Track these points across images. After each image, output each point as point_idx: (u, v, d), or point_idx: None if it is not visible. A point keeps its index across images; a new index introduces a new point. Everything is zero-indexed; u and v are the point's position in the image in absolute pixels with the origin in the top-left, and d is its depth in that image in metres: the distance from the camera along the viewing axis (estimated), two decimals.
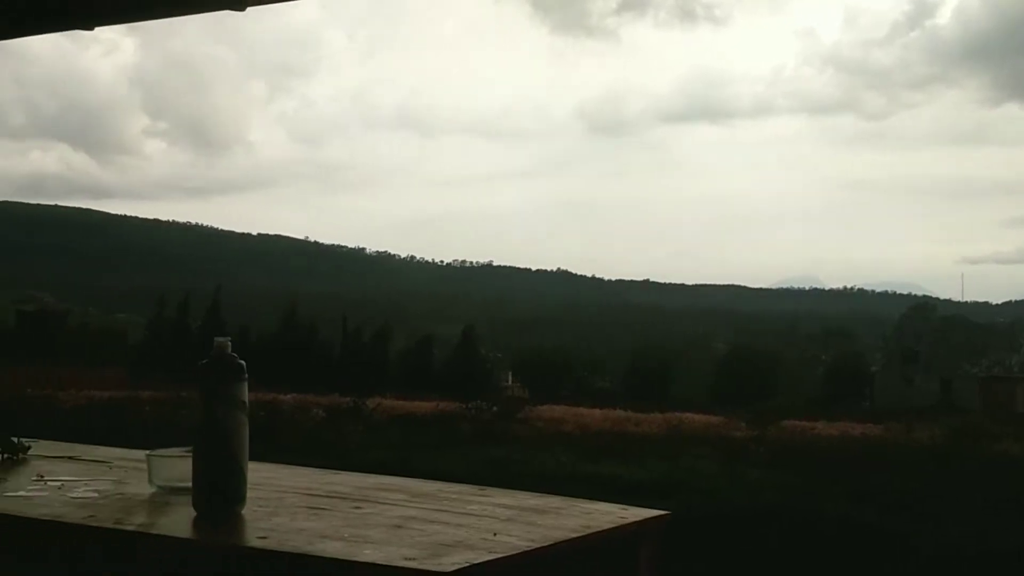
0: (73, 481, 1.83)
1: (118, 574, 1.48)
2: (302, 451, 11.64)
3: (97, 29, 2.80)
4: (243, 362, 1.56)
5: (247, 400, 1.57)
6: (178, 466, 1.74)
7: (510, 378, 57.04)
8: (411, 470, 3.36)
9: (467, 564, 1.28)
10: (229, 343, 1.56)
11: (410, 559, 1.29)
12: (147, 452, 1.79)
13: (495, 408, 23.28)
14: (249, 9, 2.24)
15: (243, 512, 1.56)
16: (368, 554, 1.31)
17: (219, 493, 1.54)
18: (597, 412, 25.11)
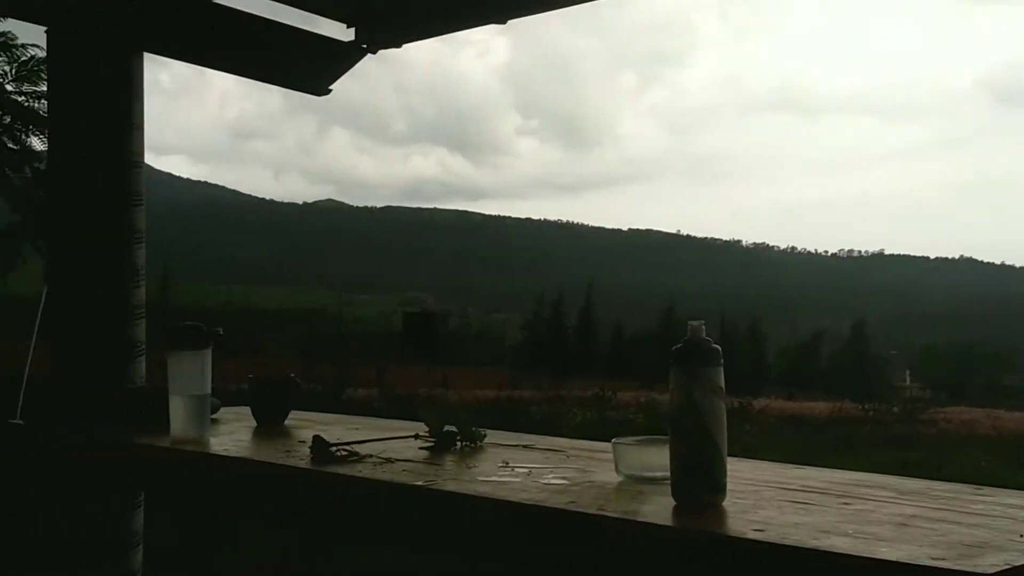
0: (539, 468, 1.87)
1: (600, 560, 1.47)
2: None
3: (469, 31, 2.92)
4: (718, 346, 1.50)
5: (723, 386, 1.50)
6: (646, 454, 1.72)
7: (908, 377, 53.11)
8: None
9: (1007, 567, 1.14)
10: (703, 326, 1.51)
11: (938, 559, 1.16)
12: (613, 440, 1.79)
13: (895, 409, 21.82)
14: None
15: (724, 504, 1.50)
16: (885, 552, 1.20)
17: (701, 482, 1.49)
18: (1017, 415, 22.57)
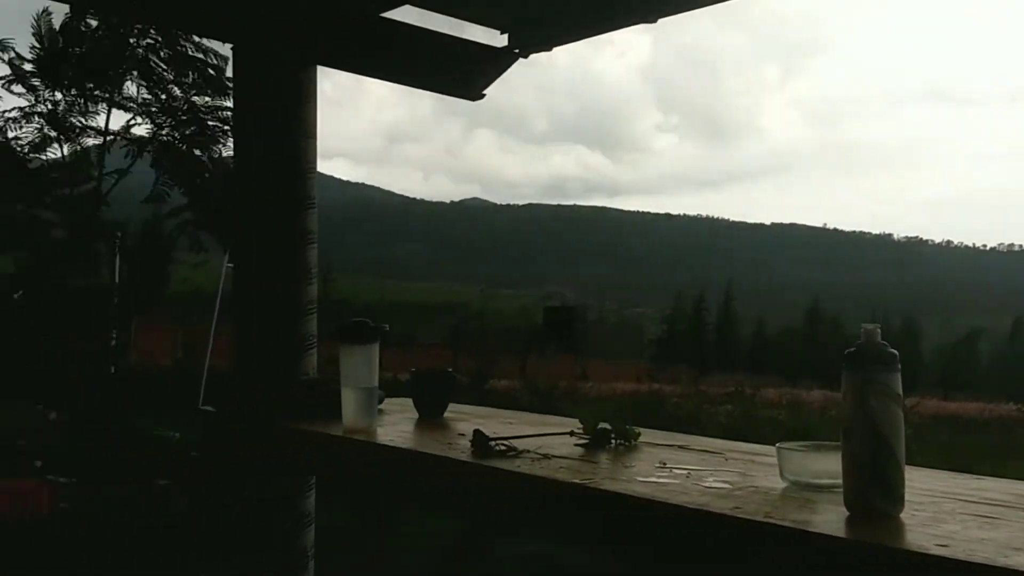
0: (698, 470, 1.85)
1: (767, 572, 1.45)
2: None
3: (615, 32, 2.91)
4: (895, 351, 1.47)
5: (901, 392, 1.46)
6: (813, 460, 1.68)
7: None
8: None
9: None
10: (878, 330, 1.48)
11: None
12: (778, 444, 1.77)
13: None
14: None
15: (900, 516, 1.45)
16: None
17: (876, 492, 1.45)
18: None
